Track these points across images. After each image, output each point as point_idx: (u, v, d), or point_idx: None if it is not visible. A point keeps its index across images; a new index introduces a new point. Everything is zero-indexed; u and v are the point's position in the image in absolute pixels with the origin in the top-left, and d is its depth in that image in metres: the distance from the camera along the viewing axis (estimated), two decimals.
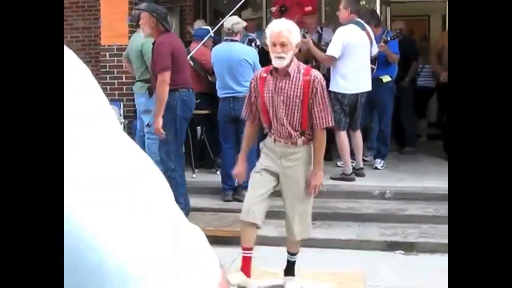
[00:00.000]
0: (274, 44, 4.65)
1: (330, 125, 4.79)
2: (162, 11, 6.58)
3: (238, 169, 5.09)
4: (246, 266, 5.00)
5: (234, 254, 6.07)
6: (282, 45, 4.61)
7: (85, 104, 0.76)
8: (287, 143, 4.76)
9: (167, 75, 6.26)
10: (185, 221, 0.82)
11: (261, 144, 5.02)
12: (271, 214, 6.50)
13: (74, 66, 0.78)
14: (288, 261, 5.10)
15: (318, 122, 4.69)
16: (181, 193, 6.56)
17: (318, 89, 4.67)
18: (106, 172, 0.72)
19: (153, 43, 6.55)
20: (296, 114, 4.69)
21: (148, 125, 7.23)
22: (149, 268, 0.72)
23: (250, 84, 4.96)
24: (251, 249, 5.00)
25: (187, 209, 6.66)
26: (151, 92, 7.66)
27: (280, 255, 5.86)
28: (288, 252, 5.09)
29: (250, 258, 4.99)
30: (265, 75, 4.83)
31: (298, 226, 4.85)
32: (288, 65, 4.69)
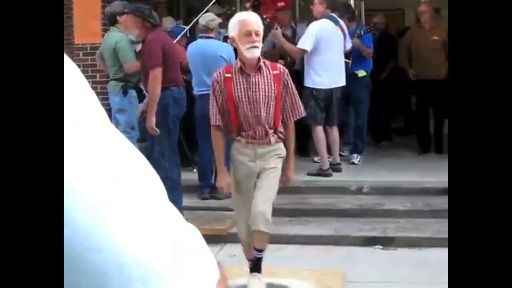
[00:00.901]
0: (249, 33, 4.44)
1: (302, 115, 4.74)
2: (145, 7, 6.50)
3: (224, 182, 4.74)
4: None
5: (213, 252, 6.00)
6: (257, 34, 4.47)
7: (84, 104, 0.77)
8: (261, 143, 4.56)
9: (158, 72, 6.16)
10: (182, 220, 0.82)
11: (231, 153, 4.73)
12: None
13: (70, 67, 0.79)
14: (256, 258, 4.79)
15: (290, 114, 4.62)
16: (178, 193, 6.48)
17: (289, 82, 4.59)
18: (106, 172, 0.73)
19: (143, 42, 6.48)
20: (271, 110, 4.54)
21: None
22: (150, 269, 0.72)
23: (213, 88, 4.64)
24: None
25: (180, 210, 6.60)
26: (125, 91, 7.59)
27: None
28: (255, 249, 4.75)
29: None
30: (228, 75, 4.58)
31: (260, 216, 4.48)
32: (258, 59, 4.55)
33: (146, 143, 8.68)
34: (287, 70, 4.68)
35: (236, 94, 4.54)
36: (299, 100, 4.71)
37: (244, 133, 4.57)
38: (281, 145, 4.68)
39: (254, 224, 4.52)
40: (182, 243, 0.78)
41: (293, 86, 4.65)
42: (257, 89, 4.53)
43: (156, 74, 6.16)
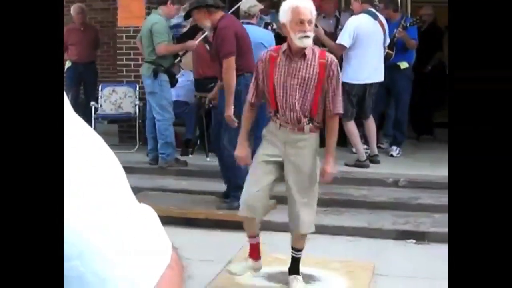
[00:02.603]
0: (302, 22, 4.30)
1: (341, 111, 4.58)
2: None
3: (241, 152, 4.80)
4: (253, 252, 4.86)
5: (244, 239, 6.05)
6: (310, 22, 4.34)
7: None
8: (294, 129, 4.49)
9: (232, 61, 6.06)
10: (137, 204, 0.82)
11: (263, 131, 4.71)
12: (283, 200, 6.51)
13: None
14: (293, 258, 4.81)
15: (332, 107, 4.47)
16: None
17: (335, 73, 4.43)
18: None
19: (214, 29, 6.36)
20: (308, 98, 4.43)
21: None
22: (89, 247, 0.72)
23: (257, 65, 4.63)
24: (256, 235, 4.82)
25: None
26: (156, 74, 7.61)
27: (290, 241, 5.86)
28: (293, 248, 4.78)
29: (257, 244, 4.85)
30: (275, 54, 4.52)
31: (303, 218, 4.52)
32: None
33: (183, 126, 8.78)
34: (335, 61, 4.49)
35: (276, 76, 4.48)
36: (340, 95, 4.54)
37: (279, 115, 4.52)
38: (316, 135, 4.58)
39: (298, 228, 4.56)
40: (132, 225, 0.77)
41: (339, 79, 4.49)
42: (295, 75, 4.43)
43: (230, 63, 6.06)
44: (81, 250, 0.72)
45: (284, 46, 4.51)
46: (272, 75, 4.50)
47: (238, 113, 5.97)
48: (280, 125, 4.53)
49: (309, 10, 4.36)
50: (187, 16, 7.02)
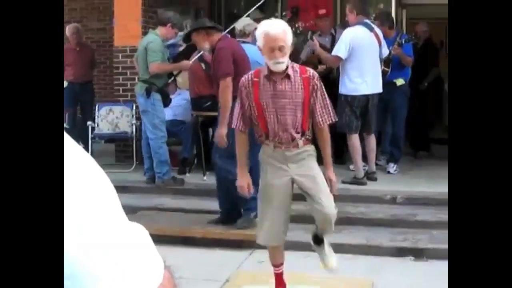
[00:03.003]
0: (272, 49, 4.34)
1: (333, 120, 4.61)
2: (200, 21, 6.60)
3: (241, 182, 4.77)
4: (279, 282, 4.89)
5: (242, 257, 6.05)
6: (280, 49, 4.34)
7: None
8: (289, 147, 4.51)
9: (228, 82, 6.07)
10: (128, 223, 0.82)
11: (259, 156, 4.70)
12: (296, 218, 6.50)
13: None
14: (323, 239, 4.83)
15: (321, 119, 4.51)
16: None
17: (318, 86, 4.48)
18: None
19: (213, 50, 6.41)
20: (299, 115, 4.47)
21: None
22: (79, 267, 0.73)
23: (240, 91, 4.61)
24: (281, 265, 4.85)
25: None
26: (148, 92, 7.66)
27: (287, 259, 5.84)
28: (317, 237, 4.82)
29: (281, 273, 4.87)
30: (256, 79, 4.52)
31: (324, 203, 4.46)
32: (286, 67, 4.46)
33: (180, 145, 8.78)
34: (317, 75, 4.56)
35: (262, 101, 4.49)
36: (330, 104, 4.59)
37: (271, 137, 4.53)
38: (310, 146, 4.61)
39: (327, 226, 4.58)
40: (123, 244, 0.77)
41: (323, 90, 4.52)
42: (283, 96, 4.45)
43: (227, 83, 6.07)
44: (72, 270, 0.72)
45: (265, 69, 4.51)
46: (258, 99, 4.51)
47: (231, 132, 5.97)
48: (274, 146, 4.54)
49: (279, 36, 4.35)
50: (187, 40, 7.05)
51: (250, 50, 7.30)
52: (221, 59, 6.20)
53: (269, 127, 4.51)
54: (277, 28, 4.39)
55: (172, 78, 8.32)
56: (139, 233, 0.82)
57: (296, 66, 4.59)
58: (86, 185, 0.77)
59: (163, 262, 0.83)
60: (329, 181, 4.60)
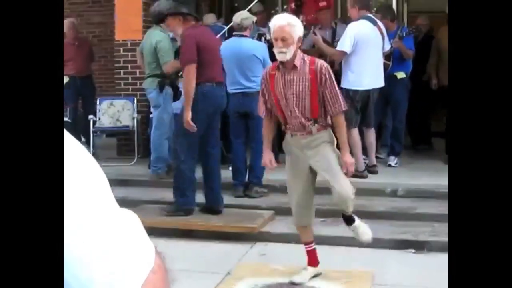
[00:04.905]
0: (276, 39, 4.74)
1: (343, 109, 4.91)
2: (180, 3, 6.54)
3: (266, 158, 5.15)
4: (311, 259, 5.25)
5: (243, 250, 6.07)
6: (283, 40, 4.70)
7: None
8: (303, 134, 4.89)
9: (191, 68, 6.24)
10: (119, 210, 0.84)
11: (283, 144, 5.13)
12: (282, 211, 6.52)
13: None
14: (344, 216, 5.27)
15: (332, 109, 4.84)
16: (189, 186, 6.57)
17: (327, 76, 4.78)
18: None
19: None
20: (306, 103, 4.81)
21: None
22: (70, 254, 0.74)
23: (261, 82, 5.07)
24: (311, 242, 5.25)
25: (191, 206, 6.66)
26: (161, 87, 7.68)
27: (288, 252, 5.86)
28: (344, 216, 5.25)
29: (313, 250, 5.24)
30: (273, 72, 4.93)
31: (338, 188, 4.91)
32: (293, 59, 4.78)
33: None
34: (326, 65, 4.86)
35: (276, 90, 4.90)
36: (340, 94, 4.89)
37: (288, 125, 4.95)
38: (326, 132, 4.94)
39: (343, 206, 5.08)
40: (114, 230, 0.78)
41: (332, 81, 4.83)
42: (290, 86, 4.83)
43: (189, 70, 6.24)
44: (64, 257, 0.73)
45: (278, 62, 4.90)
46: (274, 90, 4.91)
47: (193, 119, 6.25)
48: (291, 134, 4.97)
49: (282, 28, 4.75)
50: (156, 20, 7.32)
51: (248, 44, 7.32)
52: (185, 46, 6.37)
53: (284, 115, 4.93)
54: (282, 21, 4.79)
55: (181, 73, 8.33)
56: (130, 219, 0.84)
57: (307, 57, 4.90)
58: (73, 169, 0.78)
59: (154, 248, 0.84)
60: (344, 163, 4.92)
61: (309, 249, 5.23)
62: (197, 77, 6.26)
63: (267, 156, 5.16)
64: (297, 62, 4.80)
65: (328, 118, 4.91)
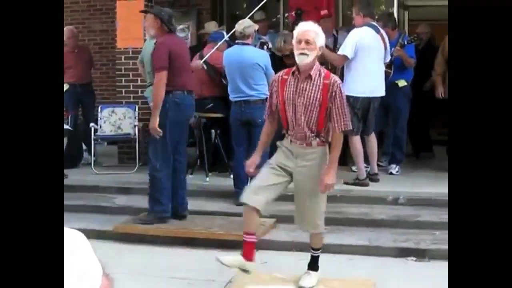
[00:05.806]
0: (299, 41, 4.76)
1: (348, 128, 4.92)
2: (167, 13, 6.63)
3: (251, 160, 5.17)
4: (247, 251, 5.03)
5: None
6: (307, 42, 4.74)
7: None
8: (302, 144, 4.89)
9: (162, 75, 6.33)
10: (68, 231, 0.81)
11: (278, 142, 5.10)
12: (283, 219, 6.51)
13: None
14: (311, 256, 5.22)
15: (336, 125, 4.83)
16: (164, 194, 6.62)
17: (337, 93, 4.80)
18: None
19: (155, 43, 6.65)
20: (313, 115, 4.82)
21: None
22: None
23: (272, 85, 5.09)
24: (252, 234, 5.03)
25: (167, 214, 6.71)
26: None
27: (290, 260, 5.85)
28: (311, 248, 5.21)
29: (251, 243, 5.04)
30: (286, 77, 4.94)
31: (308, 218, 5.00)
32: (311, 68, 4.81)
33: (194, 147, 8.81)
34: (339, 82, 4.88)
35: (285, 95, 4.90)
36: (347, 113, 4.89)
37: (289, 131, 4.95)
38: (324, 149, 4.95)
39: (305, 227, 5.12)
40: (66, 255, 0.77)
41: (342, 99, 4.84)
42: (301, 94, 4.83)
43: (160, 77, 6.34)
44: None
45: (294, 68, 4.92)
46: (283, 94, 4.92)
47: (161, 127, 6.35)
48: (291, 141, 4.95)
49: (307, 32, 4.80)
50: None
51: (250, 52, 7.32)
52: (157, 53, 6.46)
53: (288, 121, 4.93)
54: (308, 26, 4.87)
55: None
56: (77, 239, 0.82)
57: (323, 71, 4.94)
58: None
59: (101, 269, 0.83)
60: (320, 181, 4.84)
61: (248, 240, 5.01)
62: (169, 84, 6.35)
63: (253, 159, 5.18)
64: (313, 72, 4.82)
65: (330, 134, 4.91)
